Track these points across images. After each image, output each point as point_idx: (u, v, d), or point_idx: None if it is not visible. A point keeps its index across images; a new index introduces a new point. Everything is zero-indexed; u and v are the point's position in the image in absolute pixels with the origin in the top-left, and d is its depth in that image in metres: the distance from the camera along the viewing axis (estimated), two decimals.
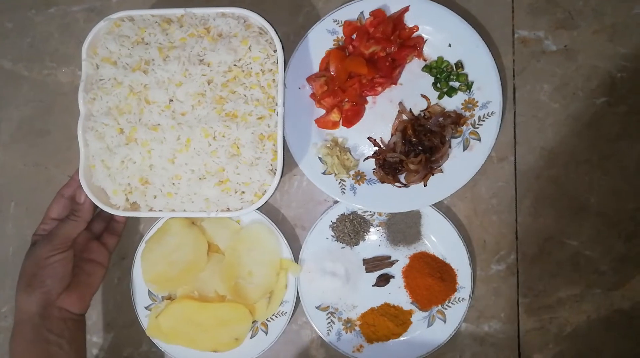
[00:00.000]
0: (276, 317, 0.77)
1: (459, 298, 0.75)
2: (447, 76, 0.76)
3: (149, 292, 0.79)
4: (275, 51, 0.71)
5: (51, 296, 0.66)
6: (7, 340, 0.69)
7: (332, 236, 0.78)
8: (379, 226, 0.78)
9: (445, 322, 0.75)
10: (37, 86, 0.86)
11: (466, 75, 0.76)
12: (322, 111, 0.78)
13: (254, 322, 0.77)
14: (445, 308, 0.76)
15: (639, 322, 0.76)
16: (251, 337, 0.78)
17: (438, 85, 0.77)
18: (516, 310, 0.77)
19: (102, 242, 0.76)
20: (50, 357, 0.65)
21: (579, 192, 0.77)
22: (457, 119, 0.75)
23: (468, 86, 0.76)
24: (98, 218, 0.77)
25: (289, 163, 0.78)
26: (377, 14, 0.76)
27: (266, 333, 0.77)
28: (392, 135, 0.77)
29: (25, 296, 0.66)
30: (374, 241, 0.78)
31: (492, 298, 0.77)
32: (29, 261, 0.68)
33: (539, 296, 0.77)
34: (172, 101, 0.70)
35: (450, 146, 0.76)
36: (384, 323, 0.76)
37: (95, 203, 0.70)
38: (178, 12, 0.72)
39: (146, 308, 0.79)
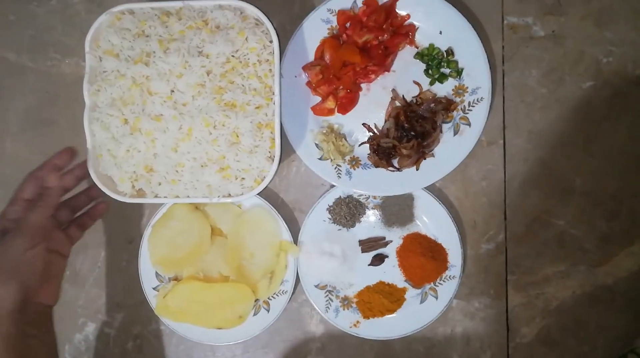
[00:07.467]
0: (277, 295, 0.81)
1: (450, 276, 0.79)
2: (438, 62, 0.79)
3: (156, 273, 0.83)
4: (271, 42, 0.73)
5: (30, 292, 0.63)
6: None
7: (329, 218, 0.82)
8: (374, 208, 0.82)
9: (437, 298, 0.79)
10: (42, 77, 0.88)
11: (456, 62, 0.78)
12: (318, 99, 0.81)
13: (257, 300, 0.81)
14: (437, 286, 0.80)
15: (622, 296, 0.79)
16: (254, 315, 0.82)
17: (429, 72, 0.79)
18: (505, 286, 0.81)
19: (67, 233, 0.72)
20: (30, 349, 0.63)
21: (565, 173, 0.80)
22: (447, 105, 0.78)
23: (458, 73, 0.79)
24: (64, 206, 0.74)
25: (286, 149, 0.81)
26: (370, 3, 0.78)
27: (268, 311, 0.81)
28: (385, 121, 0.80)
29: (3, 292, 0.62)
30: (369, 223, 0.82)
31: (482, 275, 0.81)
32: (2, 256, 0.63)
33: (527, 273, 0.81)
34: (173, 91, 0.73)
35: (441, 131, 0.78)
36: (379, 300, 0.80)
37: (104, 191, 0.74)
38: (177, 4, 0.74)
39: (154, 288, 0.83)
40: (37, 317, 0.66)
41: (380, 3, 0.79)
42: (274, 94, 0.72)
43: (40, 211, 0.65)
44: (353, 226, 0.82)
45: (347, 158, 0.80)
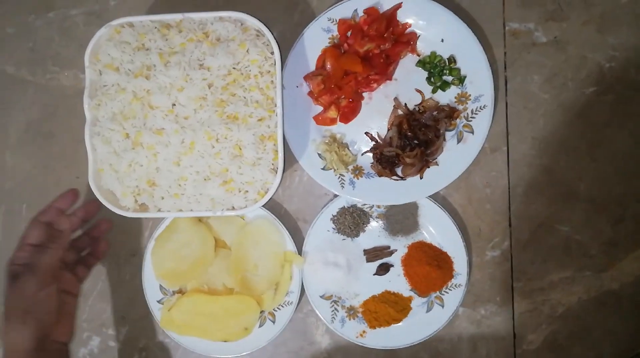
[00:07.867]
0: (282, 306, 0.81)
1: (455, 284, 0.79)
2: (440, 70, 0.79)
3: (160, 287, 0.83)
4: (272, 53, 0.73)
5: (47, 330, 0.66)
6: None
7: (333, 228, 0.81)
8: (378, 217, 0.81)
9: (443, 306, 0.79)
10: (42, 90, 0.88)
11: (459, 69, 0.78)
12: (320, 108, 0.80)
13: (262, 312, 0.81)
14: (443, 294, 0.79)
15: (627, 301, 0.79)
16: (260, 326, 0.81)
17: (432, 79, 0.79)
18: (510, 293, 0.81)
19: (75, 273, 0.74)
20: None
21: (569, 179, 0.80)
22: (450, 113, 0.78)
23: (461, 80, 0.78)
24: (70, 248, 0.75)
25: (289, 159, 0.80)
26: (371, 11, 0.78)
27: (274, 322, 0.81)
28: (388, 130, 0.80)
29: (19, 333, 0.64)
30: (374, 232, 0.82)
31: (488, 283, 0.81)
32: (17, 296, 0.65)
33: (532, 279, 0.80)
34: (174, 105, 0.73)
35: (444, 139, 0.78)
36: (385, 310, 0.80)
37: (106, 205, 0.73)
38: (176, 17, 0.73)
39: (158, 301, 0.83)
40: (55, 355, 0.68)
41: (381, 11, 0.78)
42: (276, 106, 0.72)
43: (52, 253, 0.67)
44: (357, 235, 0.81)
45: (350, 167, 0.80)
